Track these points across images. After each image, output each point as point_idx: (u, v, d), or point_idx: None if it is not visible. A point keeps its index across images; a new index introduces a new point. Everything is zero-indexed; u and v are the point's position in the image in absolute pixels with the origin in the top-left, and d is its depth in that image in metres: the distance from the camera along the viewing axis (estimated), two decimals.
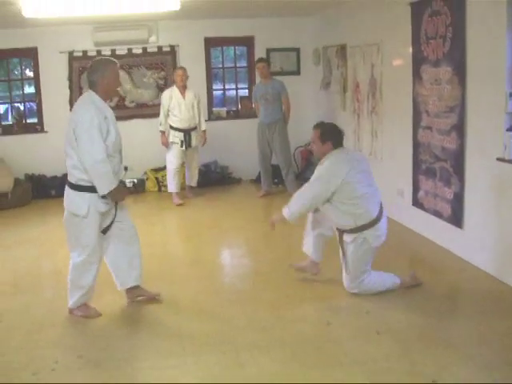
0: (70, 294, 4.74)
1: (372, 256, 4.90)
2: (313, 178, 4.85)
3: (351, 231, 4.79)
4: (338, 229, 4.93)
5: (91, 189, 4.45)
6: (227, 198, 9.09)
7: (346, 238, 4.85)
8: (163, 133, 8.63)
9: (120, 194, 4.59)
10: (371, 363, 3.85)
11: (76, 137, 4.42)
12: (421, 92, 6.28)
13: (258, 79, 9.50)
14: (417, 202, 6.61)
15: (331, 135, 4.90)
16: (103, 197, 4.48)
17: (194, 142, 8.72)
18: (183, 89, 8.66)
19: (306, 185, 4.85)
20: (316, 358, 3.95)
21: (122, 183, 4.67)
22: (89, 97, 4.55)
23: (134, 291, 5.03)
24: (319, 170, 4.84)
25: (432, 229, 6.34)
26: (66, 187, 4.60)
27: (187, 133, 8.62)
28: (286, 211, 4.78)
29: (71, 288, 4.72)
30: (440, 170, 6.01)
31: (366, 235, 4.76)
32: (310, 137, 5.06)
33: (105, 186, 4.42)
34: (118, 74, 4.69)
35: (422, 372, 3.71)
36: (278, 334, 4.33)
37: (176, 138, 8.61)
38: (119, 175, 4.64)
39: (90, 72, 4.59)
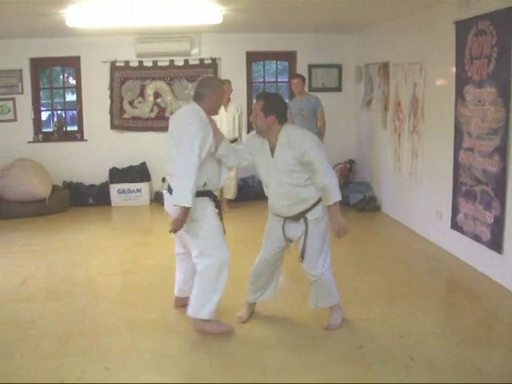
0: (203, 305, 4.57)
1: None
2: (317, 162, 4.30)
3: (314, 205, 4.48)
4: (298, 216, 4.52)
5: (206, 193, 4.54)
6: (263, 213, 9.01)
7: (311, 215, 4.49)
8: None
9: (182, 220, 4.38)
10: None
11: (176, 143, 4.42)
12: (463, 113, 6.16)
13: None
14: (456, 225, 6.47)
15: (274, 108, 4.42)
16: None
17: None
18: (227, 101, 8.69)
19: (324, 171, 4.32)
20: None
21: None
22: (195, 109, 4.56)
23: (184, 300, 5.02)
24: (312, 155, 4.31)
25: (470, 253, 6.20)
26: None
27: None
28: (337, 198, 4.37)
29: (205, 297, 4.57)
30: (481, 193, 5.88)
31: (322, 205, 4.50)
32: (253, 107, 4.57)
33: (180, 198, 4.32)
34: (224, 94, 4.68)
35: None
36: (308, 356, 4.25)
37: None
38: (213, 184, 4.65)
39: (201, 85, 4.60)
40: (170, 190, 4.59)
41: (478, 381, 3.83)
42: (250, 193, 9.84)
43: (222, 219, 4.72)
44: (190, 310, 4.60)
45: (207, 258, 4.56)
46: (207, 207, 4.56)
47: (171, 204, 4.47)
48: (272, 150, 4.48)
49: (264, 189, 4.68)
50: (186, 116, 4.54)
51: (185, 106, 4.85)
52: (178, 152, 4.39)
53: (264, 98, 4.52)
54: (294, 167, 4.37)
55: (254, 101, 4.66)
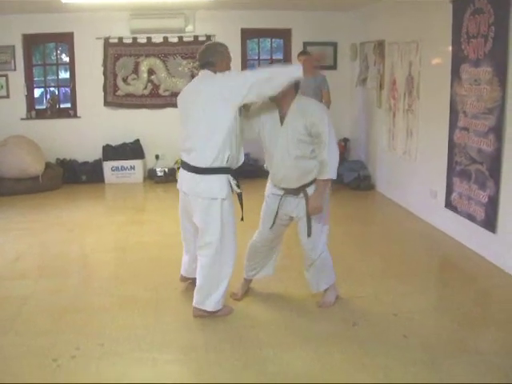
0: (207, 297, 4.47)
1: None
2: (324, 135, 4.21)
3: (312, 182, 4.42)
4: (298, 189, 4.45)
5: (226, 170, 4.33)
6: (258, 191, 9.00)
7: (311, 189, 4.41)
8: None
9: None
10: (397, 368, 3.75)
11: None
12: (459, 92, 6.14)
13: None
14: (450, 204, 6.47)
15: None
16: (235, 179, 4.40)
17: None
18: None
19: (329, 146, 4.22)
20: (339, 360, 3.87)
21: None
22: (212, 74, 4.43)
23: (188, 279, 5.05)
24: (322, 126, 4.23)
25: (464, 232, 6.21)
26: (192, 175, 4.36)
27: None
28: (332, 176, 4.29)
29: (210, 289, 4.46)
30: (475, 173, 5.87)
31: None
32: None
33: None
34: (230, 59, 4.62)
35: (448, 381, 3.61)
36: (303, 332, 4.27)
37: None
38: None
39: (210, 53, 4.46)
40: (188, 167, 4.40)
41: (472, 359, 3.85)
42: (245, 171, 9.75)
43: (242, 203, 4.55)
44: (195, 301, 4.52)
45: (212, 250, 4.39)
46: (227, 186, 4.36)
47: (186, 180, 4.42)
48: (282, 119, 4.39)
49: (266, 160, 4.60)
50: (213, 80, 4.38)
51: (197, 76, 4.63)
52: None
53: None
54: (303, 137, 4.29)
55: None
